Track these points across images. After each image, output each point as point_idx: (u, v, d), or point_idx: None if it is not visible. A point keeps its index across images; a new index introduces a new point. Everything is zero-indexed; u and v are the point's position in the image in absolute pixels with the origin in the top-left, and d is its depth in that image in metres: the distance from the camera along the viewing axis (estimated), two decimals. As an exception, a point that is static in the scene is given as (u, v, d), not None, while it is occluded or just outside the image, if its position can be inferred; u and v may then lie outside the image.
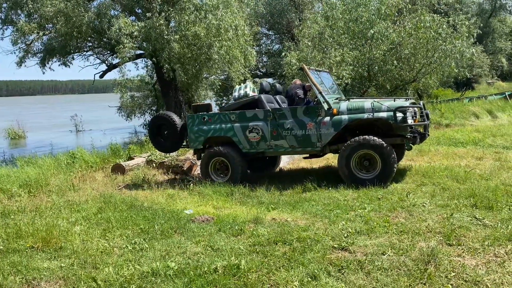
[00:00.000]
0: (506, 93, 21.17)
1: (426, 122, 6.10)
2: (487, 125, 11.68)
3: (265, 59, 28.70)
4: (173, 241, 4.21)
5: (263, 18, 25.76)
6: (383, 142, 5.78)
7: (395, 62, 14.25)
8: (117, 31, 11.77)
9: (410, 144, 6.04)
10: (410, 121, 5.85)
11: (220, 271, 3.39)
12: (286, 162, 8.62)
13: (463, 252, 3.56)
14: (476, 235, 3.86)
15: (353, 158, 5.97)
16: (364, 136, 5.88)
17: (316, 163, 7.97)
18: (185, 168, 8.41)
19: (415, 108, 6.13)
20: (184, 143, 7.41)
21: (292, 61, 13.45)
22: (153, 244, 4.18)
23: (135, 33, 11.85)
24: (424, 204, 4.88)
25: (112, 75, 39.11)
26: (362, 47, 14.85)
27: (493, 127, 10.95)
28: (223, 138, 6.88)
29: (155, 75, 15.88)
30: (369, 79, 15.42)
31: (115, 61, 15.14)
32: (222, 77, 18.47)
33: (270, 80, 28.81)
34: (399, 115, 5.78)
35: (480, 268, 3.26)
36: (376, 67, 15.01)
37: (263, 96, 6.84)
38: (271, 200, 5.68)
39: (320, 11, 17.87)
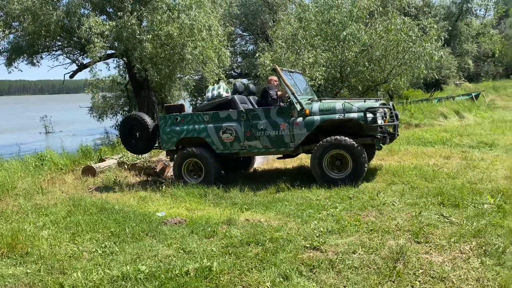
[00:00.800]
0: (473, 94, 21.90)
1: (395, 123, 6.25)
2: (455, 125, 12.05)
3: (239, 60, 28.74)
4: (145, 244, 4.15)
5: (237, 19, 25.76)
6: (354, 142, 5.88)
7: (366, 63, 14.53)
8: (88, 30, 11.51)
9: (380, 144, 6.16)
10: (380, 121, 5.97)
11: (191, 274, 3.36)
12: (260, 162, 8.65)
13: (430, 249, 3.66)
14: (443, 233, 3.98)
15: (325, 158, 6.05)
16: (336, 137, 5.96)
17: (290, 163, 8.02)
18: (157, 170, 8.30)
19: (385, 109, 6.27)
20: (157, 144, 7.31)
21: (266, 62, 13.51)
22: (123, 247, 4.11)
23: (106, 32, 11.62)
24: (393, 202, 4.99)
25: (83, 75, 38.19)
26: (334, 49, 15.06)
27: (460, 127, 11.31)
28: (196, 139, 6.83)
29: (127, 75, 15.61)
30: (341, 80, 15.66)
31: (86, 61, 14.83)
32: (196, 77, 18.35)
33: (244, 80, 28.85)
34: (369, 115, 5.89)
35: (446, 265, 3.36)
36: (348, 69, 15.26)
37: (236, 97, 6.83)
38: (244, 201, 5.68)
39: (294, 13, 18.03)
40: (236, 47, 28.46)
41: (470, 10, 36.09)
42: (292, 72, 7.08)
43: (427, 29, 15.91)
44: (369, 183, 6.06)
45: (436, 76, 18.09)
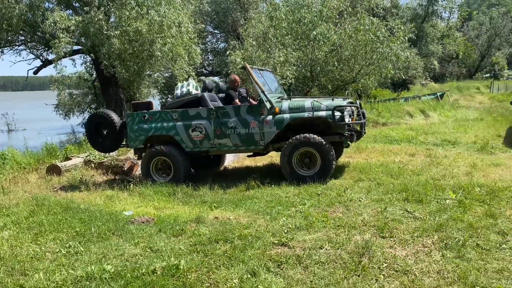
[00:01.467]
0: (438, 94, 22.66)
1: (362, 121, 6.38)
2: (420, 123, 12.43)
3: (210, 58, 28.59)
4: (111, 244, 4.06)
5: (208, 16, 25.59)
6: (323, 140, 5.96)
7: (336, 63, 14.75)
8: (52, 25, 11.15)
9: (348, 142, 6.28)
10: (347, 119, 6.08)
11: (158, 272, 3.32)
12: (231, 160, 8.64)
13: (394, 243, 3.76)
14: (407, 227, 4.09)
15: (295, 155, 6.11)
16: (304, 134, 6.02)
17: (261, 161, 8.05)
18: (125, 168, 8.16)
19: (352, 107, 6.39)
20: (124, 143, 7.17)
21: (236, 60, 13.48)
22: (89, 247, 4.02)
23: (71, 27, 11.29)
24: (360, 199, 5.09)
25: (48, 71, 36.94)
26: (305, 48, 15.21)
27: (425, 126, 11.67)
28: (165, 137, 6.75)
29: (94, 71, 15.23)
30: (311, 79, 15.83)
31: (51, 56, 14.33)
32: (166, 74, 18.13)
33: (216, 78, 28.71)
34: (337, 114, 5.99)
35: (409, 258, 3.46)
36: (318, 68, 15.44)
37: (206, 94, 6.80)
38: (214, 199, 5.66)
39: (265, 11, 18.09)
40: (207, 45, 28.30)
41: (435, 12, 37.23)
42: (262, 70, 7.11)
43: (394, 30, 16.31)
44: (337, 180, 6.17)
45: (403, 76, 18.55)
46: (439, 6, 38.07)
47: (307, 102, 6.18)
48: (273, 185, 6.04)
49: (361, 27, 14.59)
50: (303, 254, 3.56)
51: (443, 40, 40.90)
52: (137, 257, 3.72)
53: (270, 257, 3.54)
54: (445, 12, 40.85)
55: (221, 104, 7.10)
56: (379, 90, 25.57)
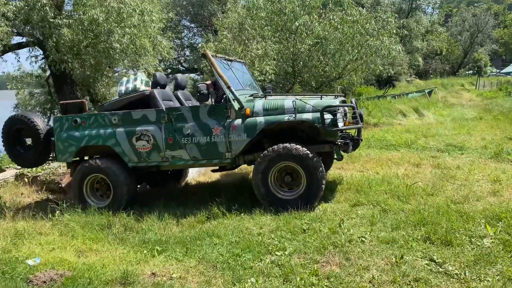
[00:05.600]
0: (426, 91, 21.52)
1: (359, 125, 4.87)
2: (416, 124, 11.06)
3: (187, 53, 26.97)
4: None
5: (183, 8, 23.97)
6: (308, 152, 4.45)
7: (321, 57, 13.33)
8: (-15, 10, 9.35)
9: (341, 153, 4.79)
10: (341, 124, 4.58)
11: None
12: (196, 173, 7.07)
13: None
14: (442, 295, 2.62)
15: (272, 172, 4.58)
16: (284, 144, 4.50)
17: (232, 174, 6.52)
18: (63, 185, 6.52)
19: (346, 108, 4.90)
20: (52, 155, 5.52)
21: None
22: None
23: (8, 13, 9.51)
24: (363, 238, 3.60)
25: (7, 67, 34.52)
26: (286, 41, 13.77)
27: (422, 126, 10.30)
28: (101, 147, 5.14)
29: (47, 67, 13.40)
30: (294, 75, 14.38)
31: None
32: (132, 71, 16.41)
33: (193, 75, 27.02)
34: (328, 116, 4.48)
35: None
36: (301, 63, 14.02)
37: (156, 91, 5.21)
38: (160, 237, 4.09)
39: (243, 2, 16.57)
40: (183, 40, 26.68)
41: (419, 7, 36.32)
42: (231, 60, 5.54)
43: (384, 23, 15.04)
44: (328, 204, 4.67)
45: (392, 72, 17.33)
46: (423, 1, 37.26)
47: (287, 102, 4.66)
48: (242, 213, 4.50)
49: (348, 18, 13.21)
50: None
51: (426, 36, 40.14)
52: None
53: None
54: (428, 7, 40.09)
55: (178, 104, 5.54)
56: (364, 87, 24.37)
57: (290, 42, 13.67)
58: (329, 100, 4.71)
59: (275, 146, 4.53)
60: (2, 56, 11.29)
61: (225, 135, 4.72)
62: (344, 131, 4.83)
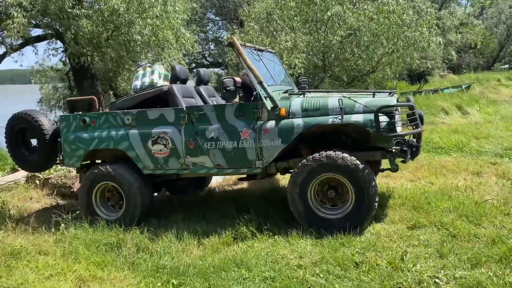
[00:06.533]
0: (463, 86, 20.19)
1: (420, 129, 4.00)
2: (461, 123, 10.00)
3: (212, 47, 26.32)
4: None
5: (208, 1, 23.31)
6: (358, 162, 3.64)
7: (354, 49, 12.40)
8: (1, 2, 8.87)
9: (396, 164, 3.95)
10: (399, 128, 3.74)
11: None
12: (221, 177, 6.34)
13: None
14: None
15: (312, 186, 3.79)
16: (328, 153, 3.70)
17: (261, 180, 5.75)
18: (75, 190, 5.92)
19: (406, 108, 4.02)
20: (60, 158, 4.88)
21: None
22: None
23: (25, 3, 8.99)
24: (436, 279, 2.78)
25: (30, 62, 34.75)
26: (316, 32, 12.90)
27: (470, 126, 9.25)
28: (113, 151, 4.47)
29: (68, 60, 12.95)
30: (324, 69, 13.50)
31: (16, 42, 12.01)
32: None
33: (219, 70, 26.33)
34: (384, 119, 3.65)
35: None
36: (332, 56, 13.13)
37: (176, 87, 4.49)
38: (177, 264, 3.37)
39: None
40: (208, 33, 26.03)
41: (453, -2, 34.60)
42: (262, 50, 4.76)
43: (423, 13, 13.99)
44: (380, 225, 3.85)
45: (430, 66, 16.22)
46: (457, -9, 35.47)
47: (332, 100, 3.84)
48: (276, 234, 3.74)
49: (384, 8, 12.23)
50: None
51: (461, 28, 38.30)
52: None
53: None
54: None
55: (201, 102, 4.81)
56: (396, 82, 23.17)
57: (321, 34, 12.81)
58: (385, 98, 3.86)
59: (317, 154, 3.73)
60: (22, 50, 10.86)
61: (255, 140, 3.95)
62: (402, 137, 3.97)
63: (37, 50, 11.80)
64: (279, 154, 3.97)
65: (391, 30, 12.72)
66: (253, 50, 4.47)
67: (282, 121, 3.91)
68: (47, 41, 11.59)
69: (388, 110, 3.66)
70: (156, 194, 5.62)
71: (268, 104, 3.95)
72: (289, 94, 4.19)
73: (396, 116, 3.70)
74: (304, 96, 4.07)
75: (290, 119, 3.89)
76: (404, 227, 3.76)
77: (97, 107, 4.68)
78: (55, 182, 6.32)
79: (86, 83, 11.84)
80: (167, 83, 4.73)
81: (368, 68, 14.07)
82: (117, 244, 3.83)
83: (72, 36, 9.77)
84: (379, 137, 3.70)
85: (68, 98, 4.97)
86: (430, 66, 24.02)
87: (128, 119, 4.36)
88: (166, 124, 4.24)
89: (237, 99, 4.29)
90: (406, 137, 4.30)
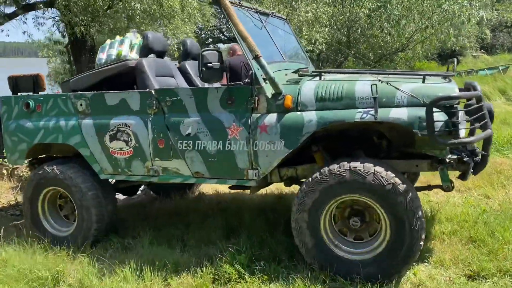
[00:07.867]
0: (500, 68, 18.49)
1: (490, 132, 2.72)
2: (507, 111, 8.57)
3: (230, 22, 24.92)
4: None
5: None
6: (398, 181, 2.42)
7: (384, 23, 10.98)
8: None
9: (450, 180, 2.72)
10: (463, 132, 2.48)
11: None
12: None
13: None
14: None
15: (326, 212, 2.60)
16: (353, 165, 2.49)
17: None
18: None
19: (471, 100, 2.74)
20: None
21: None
22: None
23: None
24: None
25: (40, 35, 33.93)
26: (341, 4, 11.51)
27: (519, 116, 7.82)
28: (62, 146, 3.38)
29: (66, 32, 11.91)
30: (348, 45, 12.12)
31: (9, 10, 10.96)
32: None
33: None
34: (441, 117, 2.39)
35: None
36: (359, 31, 11.75)
37: (146, 62, 3.32)
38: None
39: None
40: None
41: (491, -29, 31.98)
42: (267, 14, 3.51)
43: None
44: (423, 267, 2.66)
45: (467, 44, 14.68)
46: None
47: (360, 85, 2.61)
48: (273, 280, 2.59)
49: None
50: None
51: (496, 5, 35.69)
52: None
53: None
54: (497, -30, 35.52)
55: (185, 84, 3.65)
56: (425, 62, 21.47)
57: (346, 6, 11.42)
58: (442, 85, 2.60)
59: (336, 167, 2.52)
60: (16, 19, 9.81)
61: (248, 141, 2.77)
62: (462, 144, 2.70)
63: (26, 18, 10.68)
64: (282, 161, 2.78)
65: (425, 2, 11.28)
66: (253, 12, 3.23)
67: (287, 114, 2.69)
68: (42, 10, 10.51)
69: (447, 104, 2.41)
70: (139, 192, 4.59)
71: (268, 90, 2.74)
72: (300, 75, 2.96)
73: (460, 114, 2.44)
74: (320, 79, 2.84)
75: (299, 112, 2.67)
76: (461, 275, 2.56)
77: (45, 86, 3.56)
78: (21, 174, 5.34)
79: (84, 56, 10.80)
80: (137, 56, 3.56)
81: (397, 46, 12.70)
82: (53, 280, 2.76)
83: (64, 2, 8.67)
84: (431, 143, 2.46)
85: (9, 76, 3.85)
86: (468, 44, 22.12)
87: (81, 105, 3.23)
88: (128, 113, 3.09)
89: (224, 81, 3.10)
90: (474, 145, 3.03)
